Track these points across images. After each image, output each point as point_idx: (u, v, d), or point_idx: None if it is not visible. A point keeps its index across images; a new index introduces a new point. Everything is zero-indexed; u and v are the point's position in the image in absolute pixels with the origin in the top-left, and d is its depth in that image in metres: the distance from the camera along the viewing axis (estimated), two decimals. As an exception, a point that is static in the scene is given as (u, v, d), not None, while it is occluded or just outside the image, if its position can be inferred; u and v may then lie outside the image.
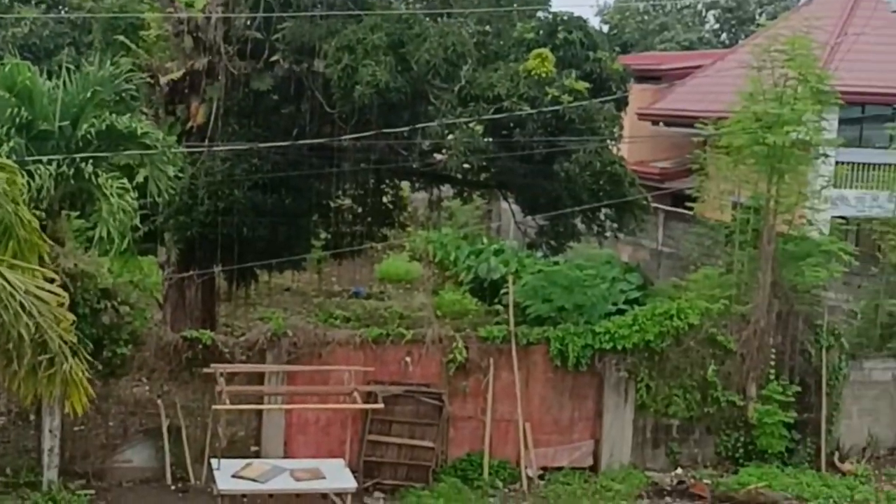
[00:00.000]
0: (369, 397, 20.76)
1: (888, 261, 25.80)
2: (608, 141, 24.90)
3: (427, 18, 23.74)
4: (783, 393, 22.76)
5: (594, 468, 22.35)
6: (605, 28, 57.58)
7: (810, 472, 22.62)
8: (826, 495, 21.69)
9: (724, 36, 58.57)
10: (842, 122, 30.34)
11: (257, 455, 20.65)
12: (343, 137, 23.11)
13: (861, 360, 24.20)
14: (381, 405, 20.59)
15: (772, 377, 22.91)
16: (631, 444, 22.55)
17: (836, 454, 23.56)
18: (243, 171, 23.70)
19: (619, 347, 22.16)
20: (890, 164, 27.89)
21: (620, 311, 23.01)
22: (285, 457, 20.66)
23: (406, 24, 23.21)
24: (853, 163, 30.94)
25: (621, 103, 25.83)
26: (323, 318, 25.11)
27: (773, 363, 22.98)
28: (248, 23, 24.32)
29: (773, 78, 23.74)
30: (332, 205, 27.04)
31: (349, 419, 20.73)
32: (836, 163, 29.85)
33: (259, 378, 20.86)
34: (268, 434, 21.02)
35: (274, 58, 24.33)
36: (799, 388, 23.04)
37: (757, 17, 55.86)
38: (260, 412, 20.88)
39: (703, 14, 60.19)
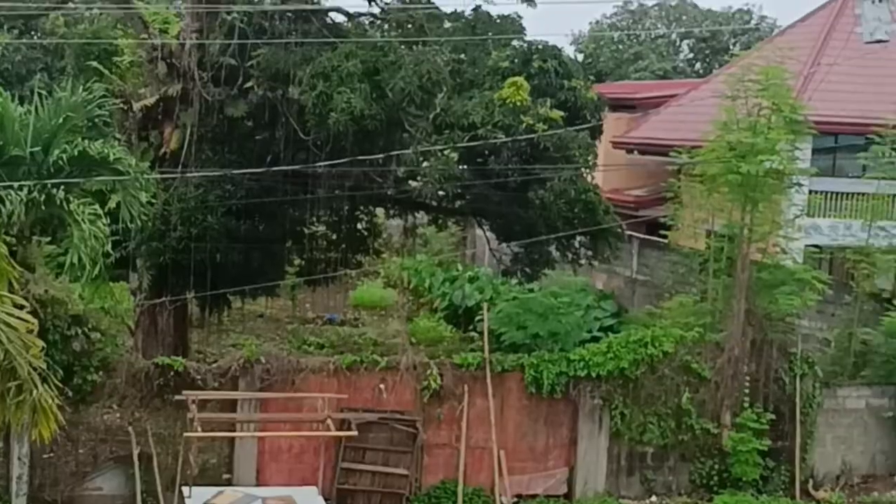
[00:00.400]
0: (343, 424, 20.61)
1: (861, 289, 25.92)
2: (583, 169, 24.97)
3: (402, 46, 23.77)
4: (757, 420, 22.79)
5: (568, 496, 22.30)
6: (580, 57, 57.80)
7: (785, 500, 22.67)
8: (800, 523, 21.76)
9: (698, 65, 58.90)
10: (815, 151, 30.49)
11: (229, 483, 20.48)
12: (317, 164, 23.06)
13: (835, 388, 24.26)
14: (354, 432, 20.44)
15: (746, 405, 22.94)
16: (605, 471, 22.52)
17: (811, 482, 23.57)
18: (217, 198, 23.63)
19: (594, 375, 22.15)
20: (863, 194, 28.01)
21: (595, 339, 23.04)
22: (258, 484, 20.51)
23: (381, 52, 23.25)
24: (826, 192, 31.05)
25: (596, 132, 25.95)
26: (296, 345, 25.06)
27: (747, 391, 23.02)
28: (223, 49, 24.28)
29: (747, 107, 23.89)
30: (306, 231, 26.98)
31: (322, 446, 20.62)
32: (810, 192, 29.90)
33: (231, 405, 20.73)
34: (240, 461, 20.88)
35: (248, 84, 24.32)
36: (773, 416, 23.07)
37: (731, 47, 56.23)
38: (232, 439, 20.73)
39: (678, 44, 60.56)
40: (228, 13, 24.11)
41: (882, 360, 24.89)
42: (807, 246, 28.45)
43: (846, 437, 24.28)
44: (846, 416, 24.32)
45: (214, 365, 21.12)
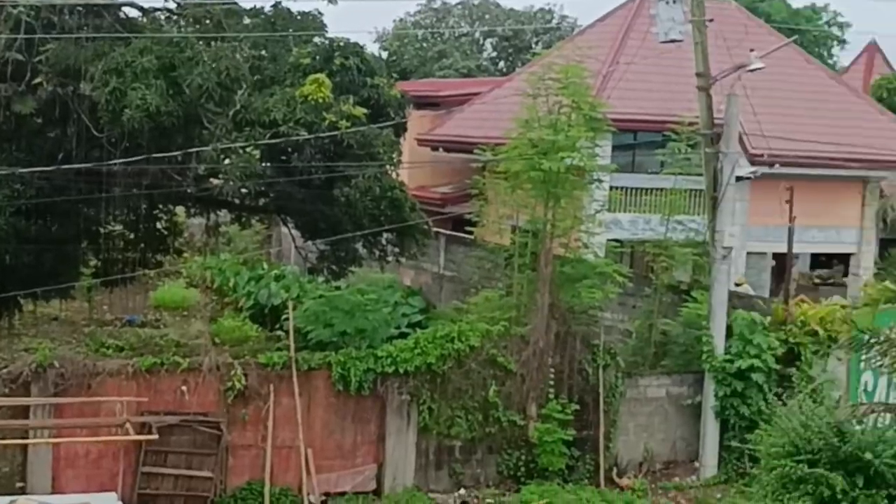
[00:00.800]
0: (143, 428, 20.08)
1: (660, 281, 26.55)
2: (387, 166, 24.89)
3: (199, 42, 23.21)
4: (562, 411, 23.10)
5: (377, 492, 22.22)
6: (385, 55, 57.81)
7: (590, 488, 22.99)
8: (605, 510, 22.11)
9: (501, 64, 59.65)
10: (615, 148, 31.14)
11: (23, 491, 19.69)
12: (112, 162, 22.32)
13: (636, 377, 24.80)
14: (155, 436, 19.96)
15: (551, 396, 23.23)
16: (414, 466, 22.52)
17: (615, 469, 24.04)
18: (4, 198, 22.58)
19: (402, 371, 22.12)
20: (661, 189, 28.71)
21: (403, 335, 22.99)
22: (54, 492, 19.77)
23: (177, 48, 22.65)
24: (626, 187, 31.79)
25: (400, 129, 25.88)
26: (94, 348, 24.16)
27: (552, 383, 23.32)
28: (8, 44, 23.21)
29: (548, 105, 24.22)
30: (102, 231, 26.08)
31: (122, 451, 20.01)
32: (610, 188, 30.60)
33: (24, 411, 19.91)
34: (34, 469, 20.12)
35: (37, 80, 23.31)
36: (577, 407, 23.43)
37: (533, 45, 57.12)
38: (25, 446, 19.92)
39: (481, 42, 61.20)
40: (14, 6, 23.09)
41: (681, 350, 25.55)
42: (608, 240, 29.01)
43: (648, 425, 24.85)
44: (648, 405, 24.90)
45: (4, 370, 20.23)
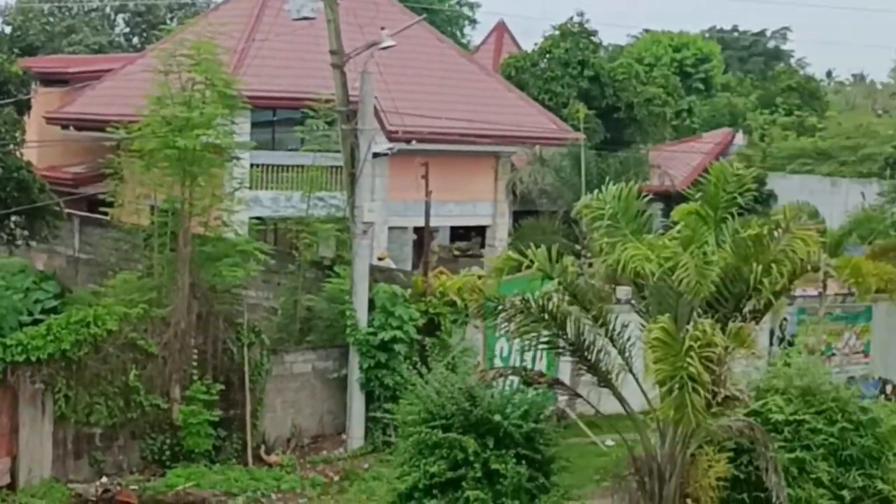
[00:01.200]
0: None
1: (304, 258, 26.76)
2: (11, 146, 23.80)
3: None
4: (207, 392, 22.93)
5: (12, 486, 21.28)
6: (8, 29, 54.62)
7: (238, 468, 23.02)
8: (254, 488, 22.21)
9: (135, 40, 57.85)
10: (254, 125, 30.96)
11: None
12: None
13: (282, 354, 24.94)
14: None
15: (195, 377, 22.99)
16: (51, 457, 21.76)
17: (263, 447, 24.09)
18: None
19: (34, 359, 21.27)
20: (301, 166, 28.85)
21: (38, 322, 22.01)
22: None
23: None
24: (266, 165, 31.71)
25: (24, 107, 24.82)
26: None
27: (195, 364, 23.10)
28: None
29: (181, 82, 23.79)
30: None
31: None
32: (251, 165, 30.48)
33: None
34: None
35: None
36: (223, 387, 23.32)
37: (168, 21, 55.76)
38: None
39: (113, 17, 59.14)
40: None
41: (326, 325, 25.90)
42: (250, 218, 28.93)
43: (295, 400, 25.04)
44: (294, 381, 25.08)
45: None
